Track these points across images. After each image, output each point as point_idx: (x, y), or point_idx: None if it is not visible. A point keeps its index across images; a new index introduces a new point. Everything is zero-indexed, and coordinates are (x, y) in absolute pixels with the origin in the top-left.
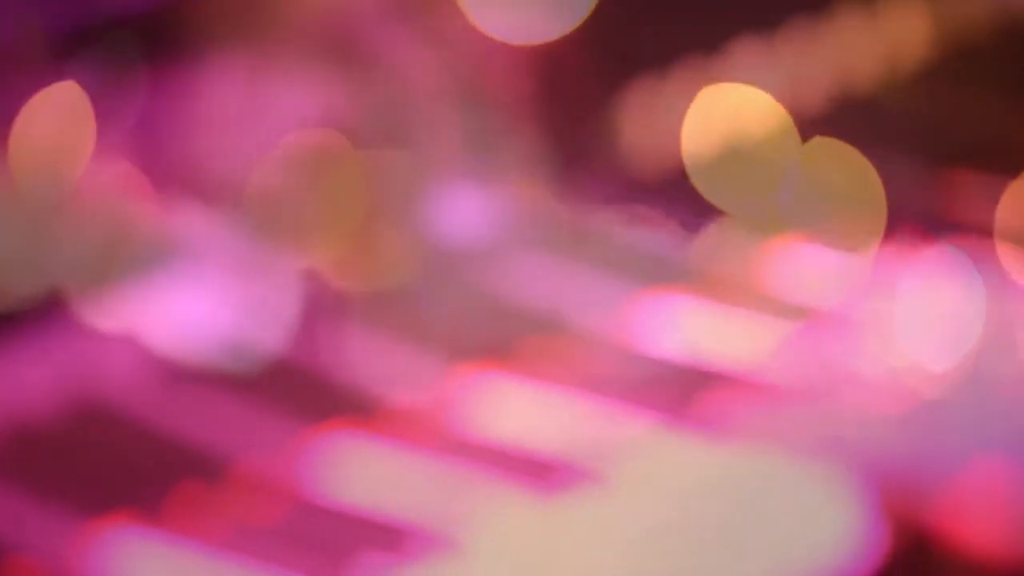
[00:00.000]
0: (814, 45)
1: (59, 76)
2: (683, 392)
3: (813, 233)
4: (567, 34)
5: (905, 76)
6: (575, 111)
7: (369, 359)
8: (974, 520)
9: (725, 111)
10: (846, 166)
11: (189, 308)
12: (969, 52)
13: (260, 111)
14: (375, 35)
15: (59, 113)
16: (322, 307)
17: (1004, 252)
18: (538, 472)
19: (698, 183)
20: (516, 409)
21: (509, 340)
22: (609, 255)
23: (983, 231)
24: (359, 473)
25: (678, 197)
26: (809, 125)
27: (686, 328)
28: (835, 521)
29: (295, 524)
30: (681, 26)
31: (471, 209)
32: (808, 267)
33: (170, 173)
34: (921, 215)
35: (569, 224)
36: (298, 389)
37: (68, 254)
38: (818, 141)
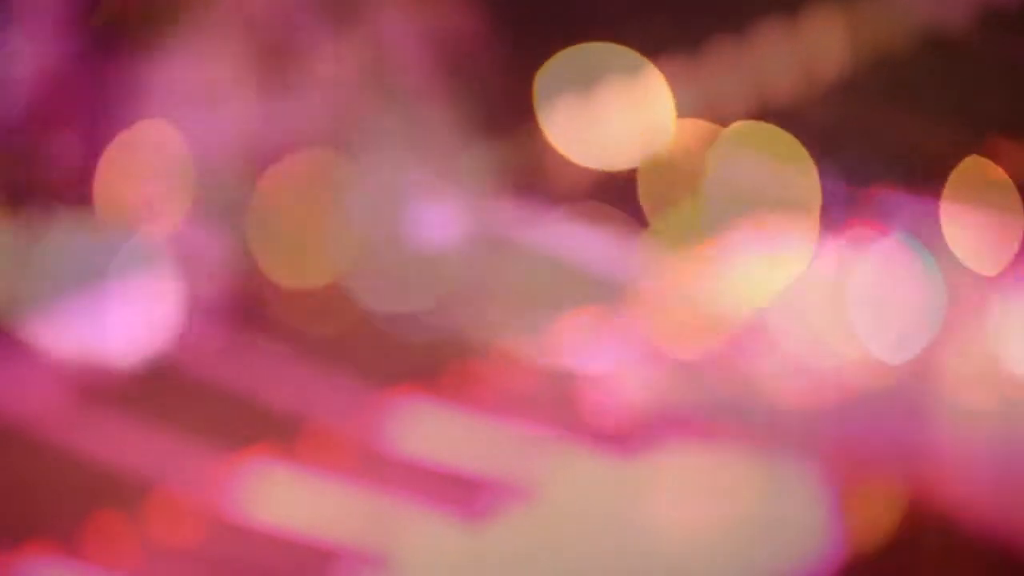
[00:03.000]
0: (735, 60)
1: None
2: (608, 411)
3: (738, 236)
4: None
5: (824, 90)
6: (504, 125)
7: (295, 382)
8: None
9: (647, 125)
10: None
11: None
12: (888, 65)
13: (200, 117)
14: (313, 41)
15: None
16: (249, 330)
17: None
18: (465, 493)
19: (621, 197)
20: (443, 431)
21: (435, 363)
22: (536, 275)
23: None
24: (284, 496)
25: (601, 213)
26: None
27: (612, 348)
28: (766, 546)
29: (219, 548)
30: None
31: (406, 227)
32: (736, 275)
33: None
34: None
35: (497, 243)
36: (224, 412)
37: None
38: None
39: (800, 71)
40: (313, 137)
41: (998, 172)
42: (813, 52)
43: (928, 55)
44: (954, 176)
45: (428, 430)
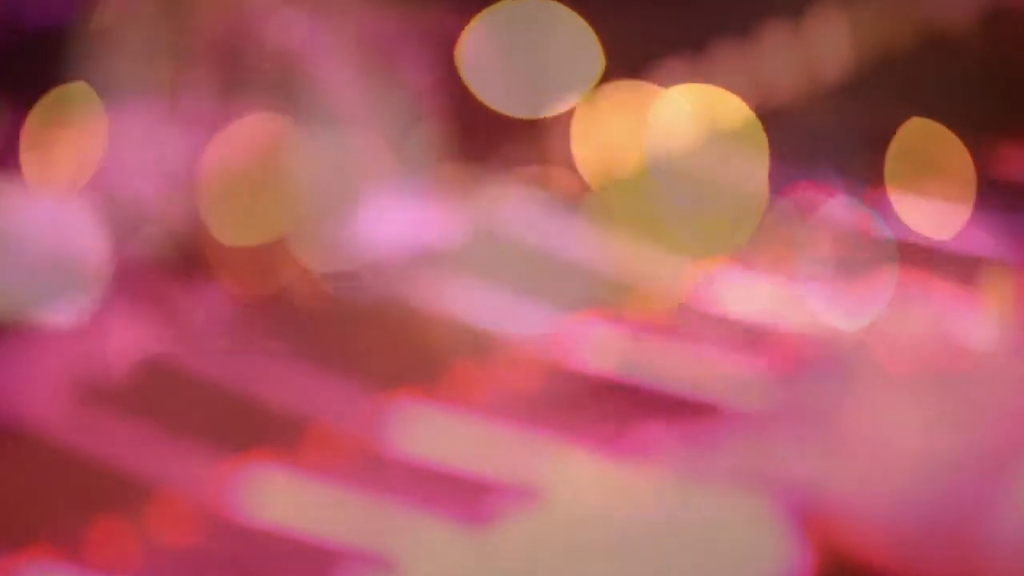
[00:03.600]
0: (740, 61)
1: None
2: (614, 414)
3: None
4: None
5: (827, 90)
6: (494, 130)
7: (294, 384)
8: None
9: (651, 123)
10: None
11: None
12: (891, 64)
13: (172, 128)
14: (300, 47)
15: None
16: (244, 331)
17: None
18: (468, 498)
19: (621, 198)
20: (444, 434)
21: (436, 363)
22: (539, 274)
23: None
24: (286, 499)
25: (603, 213)
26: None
27: (620, 348)
28: (766, 546)
29: (219, 550)
30: (609, 42)
31: (396, 226)
32: (684, 237)
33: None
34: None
35: (497, 241)
36: (222, 414)
37: None
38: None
39: (802, 72)
40: (262, 101)
41: (944, 134)
42: (814, 52)
43: (929, 55)
44: (897, 140)
45: (429, 431)
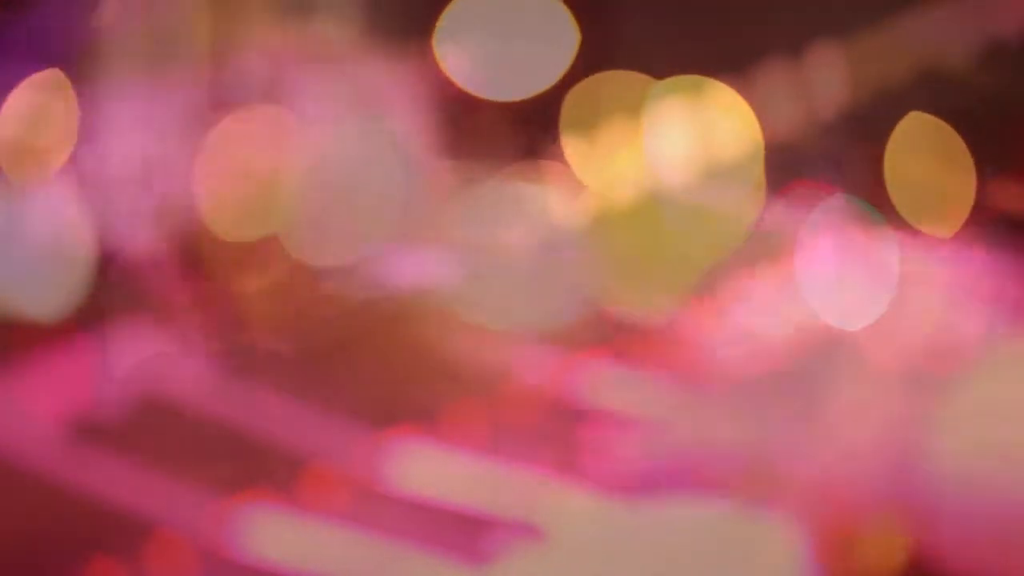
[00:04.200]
0: (739, 99)
1: None
2: (612, 451)
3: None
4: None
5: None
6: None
7: (294, 422)
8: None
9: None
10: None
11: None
12: (889, 100)
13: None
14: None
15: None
16: (246, 368)
17: None
18: (468, 536)
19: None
20: (444, 471)
21: (436, 401)
22: (538, 317)
23: None
24: (284, 537)
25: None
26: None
27: (619, 387)
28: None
29: None
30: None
31: (397, 267)
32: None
33: None
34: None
35: (496, 283)
36: (220, 452)
37: None
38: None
39: (799, 104)
40: (254, 94)
41: (943, 128)
42: (812, 86)
43: (926, 91)
44: (896, 133)
45: (428, 469)
